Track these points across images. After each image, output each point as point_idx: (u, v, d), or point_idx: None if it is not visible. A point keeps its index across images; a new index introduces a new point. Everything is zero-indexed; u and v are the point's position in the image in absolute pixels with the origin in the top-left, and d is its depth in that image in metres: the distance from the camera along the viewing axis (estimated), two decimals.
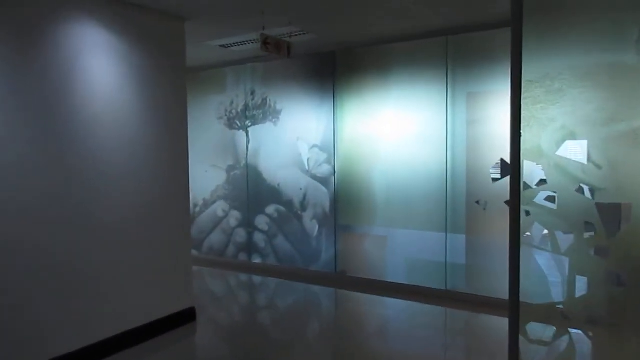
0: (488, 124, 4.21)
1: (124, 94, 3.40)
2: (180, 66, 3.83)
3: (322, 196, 5.18)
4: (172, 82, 3.76)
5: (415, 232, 4.63)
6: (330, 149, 5.08)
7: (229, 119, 5.85)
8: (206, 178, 6.08)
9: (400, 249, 4.74)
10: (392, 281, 4.78)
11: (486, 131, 4.22)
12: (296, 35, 4.35)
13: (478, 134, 4.27)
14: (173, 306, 3.82)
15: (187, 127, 3.92)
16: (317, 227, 5.24)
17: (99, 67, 3.24)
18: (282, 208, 5.48)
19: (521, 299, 1.74)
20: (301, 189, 5.32)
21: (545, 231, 1.78)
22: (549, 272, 1.88)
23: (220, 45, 4.81)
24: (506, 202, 1.77)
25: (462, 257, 4.40)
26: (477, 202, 4.24)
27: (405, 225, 4.69)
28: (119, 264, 3.38)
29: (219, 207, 6.00)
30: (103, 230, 3.27)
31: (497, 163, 4.15)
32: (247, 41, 4.64)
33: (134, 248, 3.50)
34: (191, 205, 6.25)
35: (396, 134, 4.68)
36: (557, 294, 1.84)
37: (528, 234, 1.79)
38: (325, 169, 5.14)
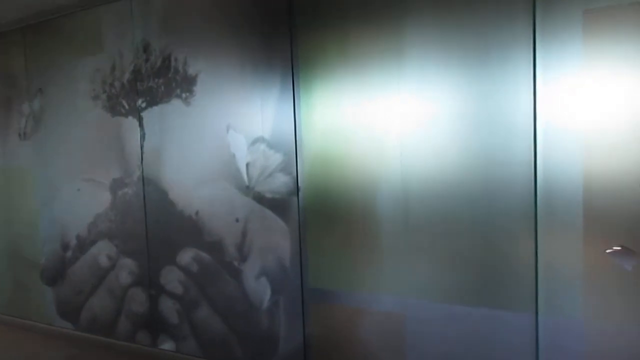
0: (638, 81, 1.92)
1: None
2: None
3: (275, 233, 2.77)
4: None
5: (465, 308, 2.29)
6: (289, 145, 2.68)
7: (109, 98, 3.35)
8: (79, 201, 3.56)
9: (434, 340, 2.38)
10: None
11: (632, 98, 1.93)
12: None
13: (610, 106, 1.97)
14: None
15: None
16: (268, 291, 2.83)
17: None
18: (204, 255, 3.03)
19: None
20: (237, 220, 2.89)
21: None
22: None
23: None
24: None
25: None
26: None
27: (444, 294, 2.34)
28: None
29: (102, 251, 3.49)
30: None
31: None
32: None
33: None
34: (59, 247, 3.72)
35: (422, 119, 2.33)
36: None
37: None
38: (279, 183, 2.74)
